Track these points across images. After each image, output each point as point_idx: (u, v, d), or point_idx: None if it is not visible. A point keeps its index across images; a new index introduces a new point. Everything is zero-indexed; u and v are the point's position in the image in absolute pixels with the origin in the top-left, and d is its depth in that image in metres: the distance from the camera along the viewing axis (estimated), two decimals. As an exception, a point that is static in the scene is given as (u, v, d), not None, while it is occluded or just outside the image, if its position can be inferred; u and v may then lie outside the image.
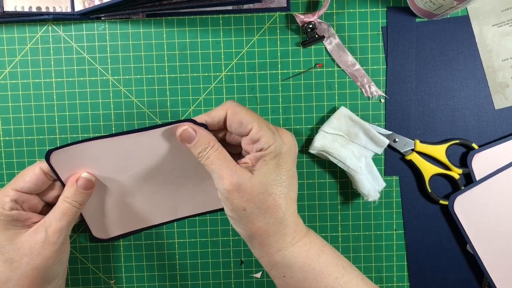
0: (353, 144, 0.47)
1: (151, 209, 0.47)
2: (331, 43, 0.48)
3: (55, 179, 0.44)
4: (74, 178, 0.43)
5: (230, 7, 0.48)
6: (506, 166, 0.47)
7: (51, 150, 0.41)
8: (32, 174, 0.42)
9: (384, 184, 0.48)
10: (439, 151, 0.48)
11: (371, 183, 0.47)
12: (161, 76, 0.49)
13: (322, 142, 0.47)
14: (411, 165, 0.49)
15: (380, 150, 0.48)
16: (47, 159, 0.41)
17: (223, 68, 0.49)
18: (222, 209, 0.49)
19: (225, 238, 0.50)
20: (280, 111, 0.49)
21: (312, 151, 0.47)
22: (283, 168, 0.40)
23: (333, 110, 0.49)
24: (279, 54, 0.48)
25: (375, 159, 0.49)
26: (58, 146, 0.47)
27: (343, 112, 0.47)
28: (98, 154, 0.42)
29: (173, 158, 0.44)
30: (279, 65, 0.49)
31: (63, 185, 0.43)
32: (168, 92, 0.49)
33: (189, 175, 0.46)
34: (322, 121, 0.49)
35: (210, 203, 0.48)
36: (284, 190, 0.39)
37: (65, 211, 0.43)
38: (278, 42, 0.48)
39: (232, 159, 0.39)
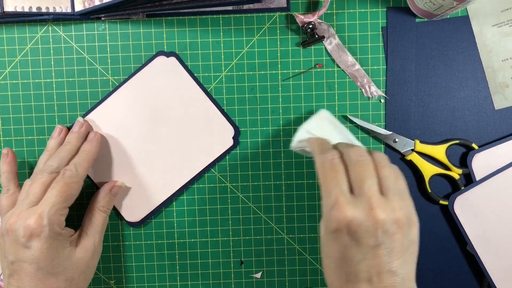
0: None
1: (164, 175, 0.49)
2: (331, 43, 0.48)
3: None
4: (109, 188, 0.47)
5: (230, 7, 0.48)
6: (506, 166, 0.47)
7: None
8: (78, 188, 0.43)
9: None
10: (439, 151, 0.48)
11: None
12: (161, 76, 0.49)
13: (300, 142, 0.45)
14: (411, 165, 0.49)
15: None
16: None
17: (223, 68, 0.49)
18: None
19: (225, 238, 0.50)
20: (280, 111, 0.49)
21: (293, 148, 0.45)
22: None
23: (333, 110, 0.49)
24: (279, 54, 0.49)
25: (375, 159, 0.49)
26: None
27: (323, 115, 0.46)
28: (102, 121, 0.48)
29: (164, 99, 0.48)
30: (279, 65, 0.49)
31: None
32: (168, 92, 0.49)
33: (183, 123, 0.49)
34: (322, 121, 0.49)
35: (209, 152, 0.49)
36: None
37: (103, 221, 0.46)
38: (278, 42, 0.48)
39: None
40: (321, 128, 0.45)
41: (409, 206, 0.37)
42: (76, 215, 0.50)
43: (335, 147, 0.40)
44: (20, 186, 0.47)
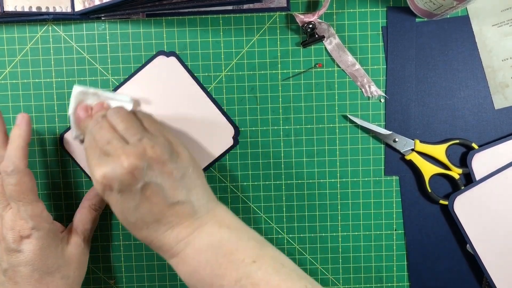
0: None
1: None
2: (331, 43, 0.48)
3: None
4: None
5: (230, 7, 0.48)
6: (506, 166, 0.47)
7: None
8: (30, 177, 0.41)
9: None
10: (439, 151, 0.48)
11: None
12: (161, 76, 0.49)
13: (75, 128, 0.45)
14: (411, 165, 0.49)
15: (127, 106, 0.46)
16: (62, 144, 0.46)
17: (223, 68, 0.49)
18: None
19: (225, 238, 0.50)
20: (280, 111, 0.49)
21: (74, 138, 0.45)
22: None
23: (333, 110, 0.49)
24: (279, 54, 0.49)
25: (375, 159, 0.49)
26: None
27: (75, 91, 0.45)
28: None
29: (167, 95, 0.48)
30: (279, 65, 0.49)
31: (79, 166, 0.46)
32: (168, 92, 0.49)
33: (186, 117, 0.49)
34: (322, 121, 0.49)
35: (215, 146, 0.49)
36: None
37: (94, 219, 0.46)
38: (278, 42, 0.48)
39: None
40: (85, 102, 0.45)
41: (163, 141, 0.39)
42: (76, 215, 0.50)
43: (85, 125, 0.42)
44: None
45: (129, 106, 0.45)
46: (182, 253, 0.39)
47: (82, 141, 0.45)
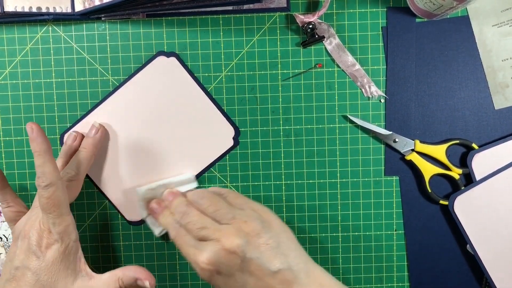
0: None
1: (165, 175, 0.49)
2: (331, 43, 0.48)
3: None
4: (140, 276, 0.43)
5: (230, 8, 0.48)
6: (506, 166, 0.47)
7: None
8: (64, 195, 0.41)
9: None
10: (439, 151, 0.48)
11: None
12: (161, 76, 0.49)
13: (155, 225, 0.47)
14: (411, 165, 0.49)
15: (193, 185, 0.48)
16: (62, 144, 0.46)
17: (223, 68, 0.49)
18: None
19: (225, 238, 0.50)
20: (280, 111, 0.49)
21: (160, 234, 0.47)
22: None
23: (333, 110, 0.49)
24: (279, 54, 0.49)
25: (375, 159, 0.49)
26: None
27: (140, 193, 0.46)
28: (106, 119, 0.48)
29: (164, 98, 0.48)
30: (279, 65, 0.49)
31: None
32: (168, 92, 0.49)
33: (183, 121, 0.49)
34: (322, 121, 0.49)
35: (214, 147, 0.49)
36: None
37: (114, 284, 0.43)
38: (278, 43, 0.48)
39: None
40: (154, 198, 0.46)
41: (252, 213, 0.40)
42: (77, 215, 0.50)
43: (167, 217, 0.43)
44: (15, 192, 0.47)
45: (195, 185, 0.48)
46: None
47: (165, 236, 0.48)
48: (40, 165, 0.40)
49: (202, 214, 0.40)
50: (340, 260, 0.50)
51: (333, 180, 0.50)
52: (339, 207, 0.50)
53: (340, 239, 0.50)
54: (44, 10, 0.47)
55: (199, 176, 0.49)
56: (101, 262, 0.50)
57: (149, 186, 0.46)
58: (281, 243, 0.40)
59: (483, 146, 0.48)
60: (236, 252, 0.37)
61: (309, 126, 0.49)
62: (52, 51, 0.48)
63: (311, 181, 0.50)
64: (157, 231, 0.47)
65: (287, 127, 0.49)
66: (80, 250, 0.43)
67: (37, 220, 0.41)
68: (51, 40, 0.48)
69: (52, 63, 0.48)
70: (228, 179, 0.50)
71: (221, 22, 0.48)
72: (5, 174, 0.49)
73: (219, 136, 0.49)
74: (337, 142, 0.49)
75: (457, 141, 0.48)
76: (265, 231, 0.39)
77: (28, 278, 0.40)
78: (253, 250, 0.38)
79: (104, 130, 0.48)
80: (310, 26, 0.46)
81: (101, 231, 0.50)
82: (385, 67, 0.48)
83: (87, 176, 0.49)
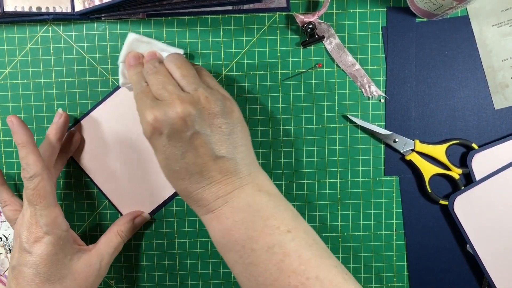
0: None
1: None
2: (331, 43, 0.48)
3: None
4: (133, 215, 0.46)
5: (230, 7, 0.48)
6: (506, 166, 0.47)
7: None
8: (45, 183, 0.40)
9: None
10: (439, 151, 0.48)
11: None
12: (161, 76, 0.49)
13: (126, 75, 0.45)
14: (411, 165, 0.49)
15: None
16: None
17: (223, 68, 0.49)
18: None
19: (225, 238, 0.50)
20: (280, 111, 0.49)
21: (122, 85, 0.46)
22: None
23: (333, 110, 0.49)
24: (279, 54, 0.49)
25: (375, 159, 0.49)
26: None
27: (130, 38, 0.45)
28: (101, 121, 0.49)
29: None
30: (279, 65, 0.49)
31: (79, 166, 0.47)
32: (168, 92, 0.49)
33: None
34: (322, 121, 0.49)
35: None
36: None
37: (118, 245, 0.45)
38: (278, 42, 0.48)
39: None
40: (136, 51, 0.45)
41: (217, 94, 0.39)
42: (77, 215, 0.50)
43: (134, 67, 0.43)
44: (12, 190, 0.47)
45: None
46: (218, 210, 0.38)
47: (130, 89, 0.46)
48: (23, 157, 0.40)
49: (168, 74, 0.39)
50: (340, 260, 0.50)
51: (333, 180, 0.50)
52: (339, 207, 0.50)
53: (340, 239, 0.50)
54: (44, 10, 0.47)
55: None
56: (101, 262, 0.50)
57: (141, 38, 0.45)
58: (234, 133, 0.39)
59: (483, 146, 0.48)
60: (186, 120, 0.36)
61: (309, 126, 0.49)
62: (52, 51, 0.48)
63: (311, 181, 0.50)
64: (122, 81, 0.45)
65: (287, 127, 0.49)
66: (74, 234, 0.44)
67: (25, 216, 0.41)
68: (51, 40, 0.48)
69: (52, 63, 0.48)
70: (228, 179, 0.50)
71: (221, 22, 0.48)
72: (5, 174, 0.49)
73: (219, 136, 0.49)
74: (337, 142, 0.49)
75: (457, 141, 0.48)
76: (222, 115, 0.38)
77: (25, 273, 0.40)
78: (204, 126, 0.37)
79: (67, 116, 0.47)
80: (310, 26, 0.46)
81: (101, 231, 0.50)
82: (385, 67, 0.48)
83: (87, 176, 0.49)
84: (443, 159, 0.48)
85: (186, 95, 0.37)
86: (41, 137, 0.49)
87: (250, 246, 0.37)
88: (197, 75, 0.40)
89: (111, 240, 0.45)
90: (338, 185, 0.50)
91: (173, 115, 0.36)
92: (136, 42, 0.45)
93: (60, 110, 0.47)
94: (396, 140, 0.48)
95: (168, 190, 0.49)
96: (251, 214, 0.38)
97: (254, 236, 0.37)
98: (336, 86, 0.49)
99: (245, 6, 0.48)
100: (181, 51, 0.46)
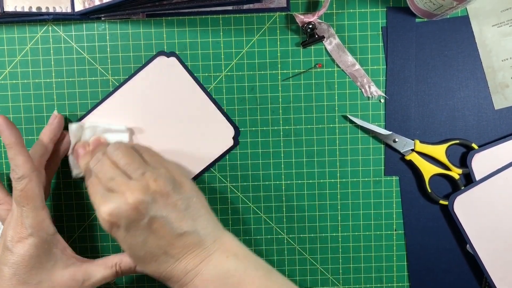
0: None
1: None
2: (331, 43, 0.48)
3: None
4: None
5: (230, 7, 0.48)
6: (506, 166, 0.47)
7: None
8: (34, 184, 0.40)
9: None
10: (439, 151, 0.48)
11: None
12: (161, 76, 0.49)
13: (77, 167, 0.46)
14: (411, 165, 0.49)
15: (124, 137, 0.47)
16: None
17: (223, 68, 0.49)
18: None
19: (225, 238, 0.50)
20: (280, 111, 0.49)
21: (75, 175, 0.46)
22: None
23: (333, 110, 0.49)
24: (279, 54, 0.49)
25: (375, 159, 0.49)
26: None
27: (72, 128, 0.46)
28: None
29: (164, 99, 0.48)
30: (279, 65, 0.49)
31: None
32: (168, 92, 0.49)
33: (184, 120, 0.49)
34: (322, 121, 0.49)
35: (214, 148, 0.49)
36: None
37: (108, 276, 0.43)
38: (278, 42, 0.48)
39: None
40: (84, 138, 0.46)
41: (165, 172, 0.39)
42: (77, 215, 0.50)
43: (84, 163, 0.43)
44: (7, 190, 0.47)
45: (125, 137, 0.47)
46: (190, 284, 0.38)
47: (82, 179, 0.46)
48: (12, 157, 0.40)
49: (113, 165, 0.39)
50: (340, 260, 0.50)
51: (333, 180, 0.50)
52: (339, 207, 0.50)
53: (340, 239, 0.50)
54: (44, 10, 0.47)
55: (199, 176, 0.49)
56: (101, 262, 0.50)
57: (82, 124, 0.46)
58: (191, 206, 0.39)
59: (483, 146, 0.48)
60: (139, 209, 0.37)
61: (309, 126, 0.49)
62: (52, 51, 0.48)
63: (311, 181, 0.50)
64: (75, 172, 0.46)
65: (287, 127, 0.49)
66: (63, 242, 0.43)
67: (13, 216, 0.41)
68: (51, 40, 0.48)
69: (52, 63, 0.48)
70: (228, 179, 0.50)
71: (221, 22, 0.48)
72: (4, 174, 0.49)
73: (219, 136, 0.49)
74: (337, 142, 0.49)
75: (457, 141, 0.48)
76: (175, 192, 0.38)
77: (5, 273, 0.40)
78: (159, 209, 0.37)
79: (61, 118, 0.46)
80: (310, 26, 0.46)
81: (101, 231, 0.50)
82: (385, 67, 0.48)
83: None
84: (443, 159, 0.48)
85: (134, 183, 0.37)
86: (41, 137, 0.49)
87: None
88: (140, 159, 0.40)
89: (106, 267, 0.43)
90: (338, 185, 0.50)
91: (125, 207, 0.37)
92: (80, 129, 0.46)
93: (55, 112, 0.47)
94: (396, 140, 0.48)
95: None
96: (222, 283, 0.38)
97: None
98: (336, 86, 0.49)
99: (245, 6, 0.48)
100: (123, 128, 0.47)
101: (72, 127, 0.46)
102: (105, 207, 0.37)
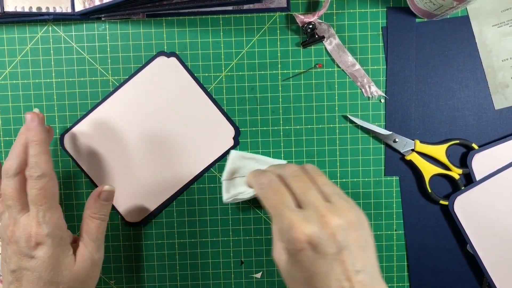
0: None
1: (165, 175, 0.49)
2: (331, 43, 0.48)
3: None
4: (96, 194, 0.44)
5: (230, 8, 0.48)
6: (506, 166, 0.48)
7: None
8: (54, 183, 0.40)
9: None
10: (439, 151, 0.48)
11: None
12: (161, 76, 0.49)
13: (229, 191, 0.46)
14: (411, 165, 0.49)
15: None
16: (62, 145, 0.47)
17: (223, 68, 0.49)
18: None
19: (225, 239, 0.50)
20: (280, 111, 0.49)
21: (226, 201, 0.46)
22: None
23: (333, 110, 0.49)
24: (279, 54, 0.49)
25: (375, 159, 0.49)
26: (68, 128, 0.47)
27: (233, 155, 0.46)
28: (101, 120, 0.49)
29: (163, 98, 0.48)
30: (279, 65, 0.49)
31: (79, 167, 0.47)
32: (168, 92, 0.49)
33: (184, 120, 0.49)
34: (322, 121, 0.49)
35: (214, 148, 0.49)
36: None
37: (97, 228, 0.44)
38: (278, 43, 0.48)
39: None
40: (240, 168, 0.46)
41: (354, 206, 0.37)
42: (77, 215, 0.50)
43: (268, 171, 0.40)
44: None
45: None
46: None
47: (232, 203, 0.47)
48: (36, 154, 0.39)
49: (311, 182, 0.38)
50: (340, 260, 0.50)
51: (333, 180, 0.50)
52: (339, 207, 0.50)
53: (340, 239, 0.50)
54: (44, 10, 0.47)
55: (199, 177, 0.49)
56: (101, 262, 0.50)
57: (245, 155, 0.46)
58: (368, 244, 0.37)
59: (483, 146, 0.48)
60: (336, 235, 0.34)
61: (309, 126, 0.49)
62: (52, 51, 0.48)
63: (311, 181, 0.50)
64: (225, 197, 0.46)
65: (287, 127, 0.49)
66: (71, 234, 0.44)
67: (21, 221, 0.40)
68: (51, 40, 0.48)
69: (52, 63, 0.48)
70: (228, 179, 0.50)
71: (221, 22, 0.48)
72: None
73: (219, 136, 0.49)
74: (337, 142, 0.49)
75: (457, 141, 0.48)
76: (359, 227, 0.36)
77: (29, 276, 0.40)
78: (347, 239, 0.35)
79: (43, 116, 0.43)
80: (310, 26, 0.46)
81: (101, 231, 0.50)
82: (385, 67, 0.48)
83: (87, 176, 0.49)
84: (443, 159, 0.48)
85: (335, 207, 0.36)
86: (41, 137, 0.49)
87: None
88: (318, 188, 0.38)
89: (89, 226, 0.43)
90: (338, 185, 0.50)
91: (326, 231, 0.34)
92: (241, 159, 0.46)
93: (36, 109, 0.44)
94: (396, 140, 0.48)
95: (168, 191, 0.49)
96: None
97: None
98: (336, 86, 0.49)
99: (245, 6, 0.48)
100: (285, 163, 0.47)
101: (233, 154, 0.46)
102: (307, 227, 0.34)
